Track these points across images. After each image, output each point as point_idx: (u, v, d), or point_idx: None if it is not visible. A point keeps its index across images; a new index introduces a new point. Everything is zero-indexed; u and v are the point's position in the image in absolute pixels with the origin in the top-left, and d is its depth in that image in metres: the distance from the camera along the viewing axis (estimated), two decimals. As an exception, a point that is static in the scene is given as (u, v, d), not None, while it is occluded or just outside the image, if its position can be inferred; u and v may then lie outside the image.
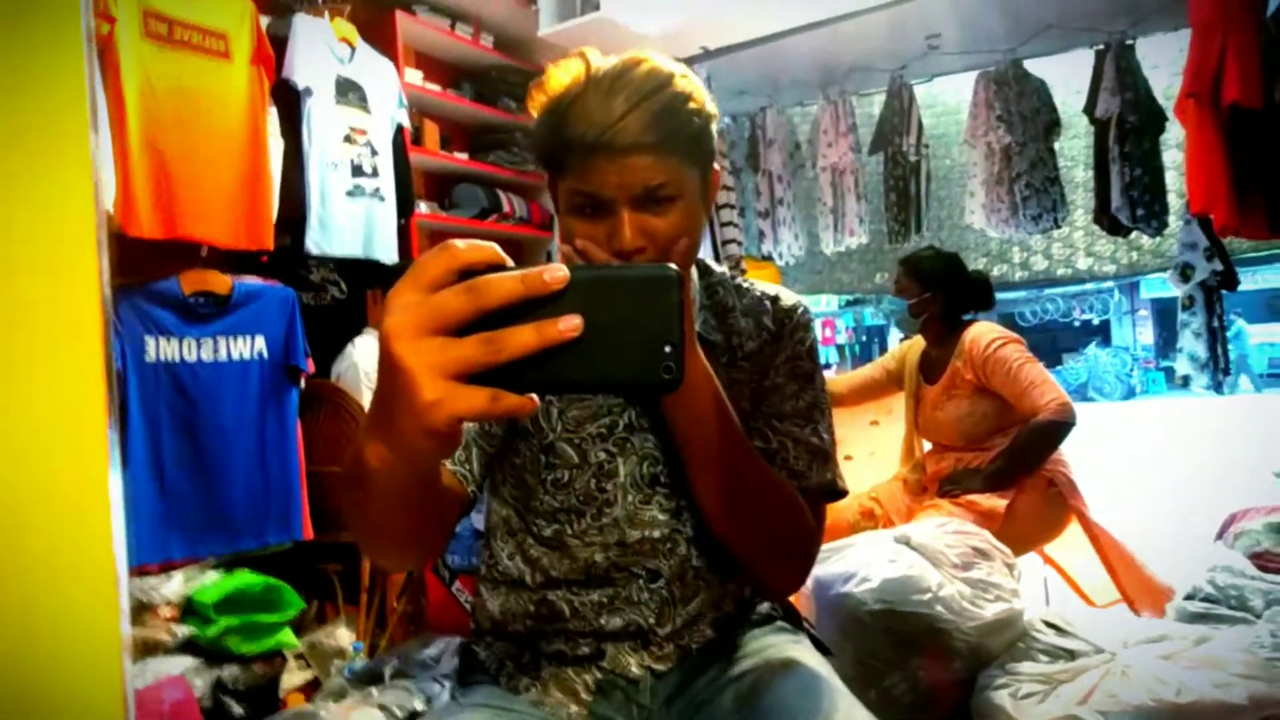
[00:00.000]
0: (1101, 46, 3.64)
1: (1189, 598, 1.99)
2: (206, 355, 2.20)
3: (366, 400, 2.47)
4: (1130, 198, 3.43)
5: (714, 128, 0.92)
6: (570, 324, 0.45)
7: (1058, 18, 3.57)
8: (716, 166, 0.95)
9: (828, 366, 14.09)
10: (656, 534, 0.94)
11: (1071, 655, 1.54)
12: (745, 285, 1.05)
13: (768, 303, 1.03)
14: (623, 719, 0.93)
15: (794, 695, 0.86)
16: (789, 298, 1.05)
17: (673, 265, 0.49)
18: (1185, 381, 3.38)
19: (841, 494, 0.99)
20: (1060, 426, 2.16)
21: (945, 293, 2.43)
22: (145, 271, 2.15)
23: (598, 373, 0.47)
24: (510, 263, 0.49)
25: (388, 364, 0.48)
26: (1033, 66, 3.86)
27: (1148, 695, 1.40)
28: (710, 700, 0.91)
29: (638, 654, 0.94)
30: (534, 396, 0.48)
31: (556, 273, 0.46)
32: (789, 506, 0.92)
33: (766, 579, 0.96)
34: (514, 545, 0.98)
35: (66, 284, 0.53)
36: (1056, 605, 2.50)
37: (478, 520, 2.34)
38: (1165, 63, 3.85)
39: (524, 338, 0.45)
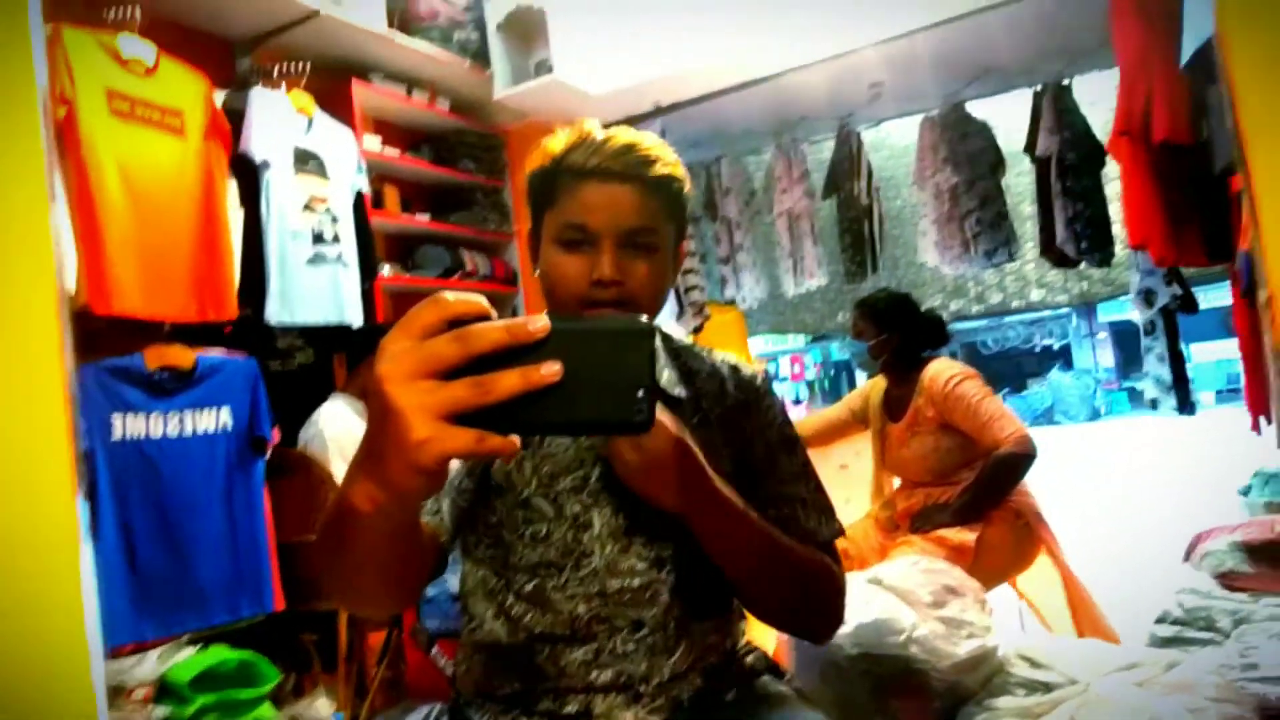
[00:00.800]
0: (1039, 87, 3.78)
1: (1159, 621, 2.02)
2: (172, 430, 2.18)
3: (334, 467, 2.46)
4: (1075, 231, 3.54)
5: (686, 202, 1.01)
6: (551, 369, 0.49)
7: (995, 61, 3.71)
8: (685, 242, 1.04)
9: (798, 402, 14.18)
10: (637, 582, 0.95)
11: (1047, 688, 1.56)
12: (704, 352, 1.11)
13: (728, 370, 1.10)
14: None
15: None
16: (746, 367, 1.12)
17: (645, 318, 0.53)
18: (1154, 404, 3.47)
19: (842, 534, 1.08)
20: (1022, 459, 2.21)
21: (901, 332, 2.49)
22: (109, 348, 2.14)
23: (576, 415, 0.51)
24: (495, 314, 0.53)
25: (380, 405, 0.51)
26: (974, 108, 3.99)
27: (1122, 723, 1.42)
28: None
29: (630, 708, 0.94)
30: (515, 439, 0.51)
31: (539, 322, 0.50)
32: (809, 563, 0.99)
33: (810, 631, 1.04)
34: (495, 606, 0.99)
35: (30, 363, 0.54)
36: (1033, 630, 2.53)
37: (453, 583, 2.32)
38: (1102, 99, 4.01)
39: (509, 381, 0.49)
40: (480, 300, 0.53)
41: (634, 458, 0.86)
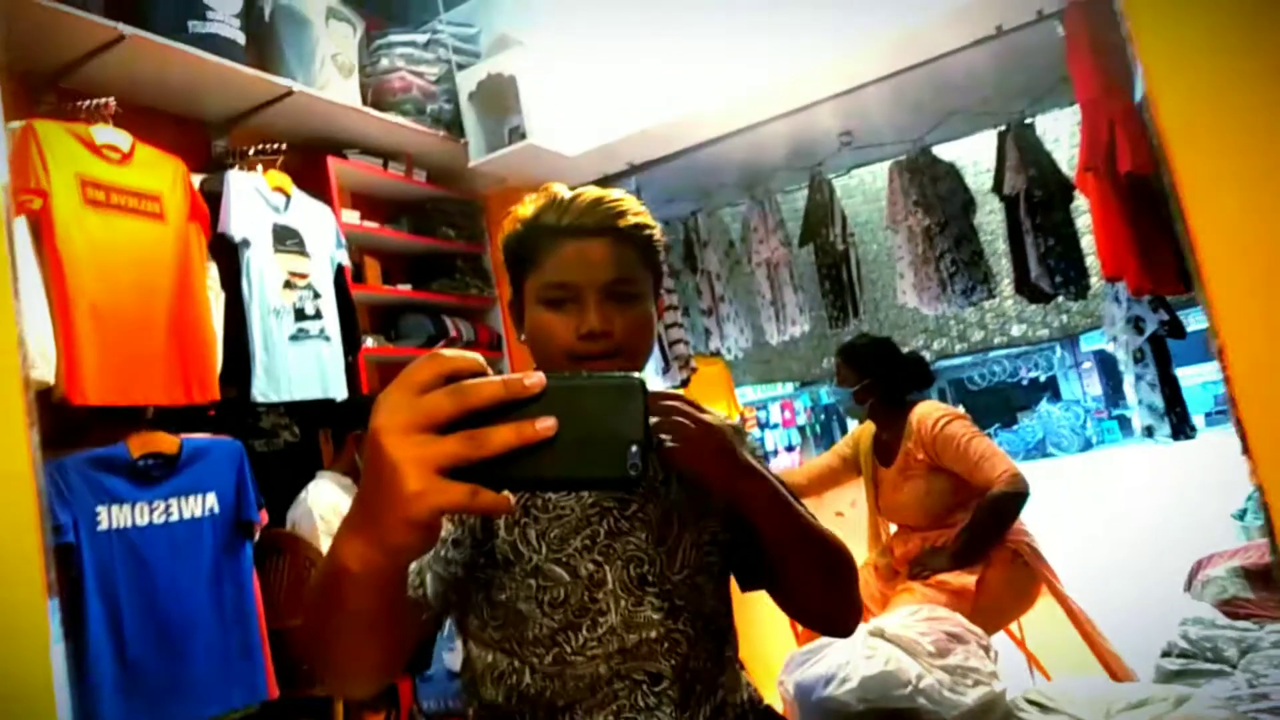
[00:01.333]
0: (1003, 127, 3.86)
1: (1165, 654, 2.00)
2: (158, 518, 2.15)
3: (323, 546, 2.42)
4: (1048, 266, 3.59)
5: (660, 250, 1.03)
6: (546, 424, 0.50)
7: (959, 104, 3.79)
8: (664, 291, 1.05)
9: (791, 448, 14.13)
10: (654, 634, 0.95)
11: (1058, 731, 1.54)
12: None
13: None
14: None
15: None
16: (715, 414, 1.11)
17: (637, 374, 0.54)
18: (1149, 432, 3.47)
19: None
20: (1015, 498, 2.20)
21: (883, 377, 2.49)
22: (91, 437, 2.12)
23: (569, 470, 0.52)
24: (490, 371, 0.53)
25: (375, 457, 0.51)
26: (942, 151, 4.07)
27: (1136, 765, 1.40)
28: None
29: None
30: (509, 496, 0.52)
31: (534, 378, 0.51)
32: (836, 543, 1.01)
33: (840, 618, 1.06)
34: (506, 689, 0.97)
35: None
36: (1042, 674, 2.49)
37: (450, 660, 2.27)
38: (1065, 136, 4.10)
39: (504, 435, 0.50)
40: (476, 357, 0.53)
41: (690, 431, 0.86)
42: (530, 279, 0.98)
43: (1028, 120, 3.83)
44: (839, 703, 1.60)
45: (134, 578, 2.08)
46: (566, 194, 0.99)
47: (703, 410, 1.10)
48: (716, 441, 0.87)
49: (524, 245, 0.99)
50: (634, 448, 0.52)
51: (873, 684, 1.60)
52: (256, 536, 2.36)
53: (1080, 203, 3.81)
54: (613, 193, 1.00)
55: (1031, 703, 1.62)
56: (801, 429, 15.05)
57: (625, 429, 0.52)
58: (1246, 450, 0.54)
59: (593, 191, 1.00)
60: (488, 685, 0.98)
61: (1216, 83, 0.55)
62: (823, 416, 15.56)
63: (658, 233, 1.03)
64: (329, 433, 2.73)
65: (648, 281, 1.01)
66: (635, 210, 1.00)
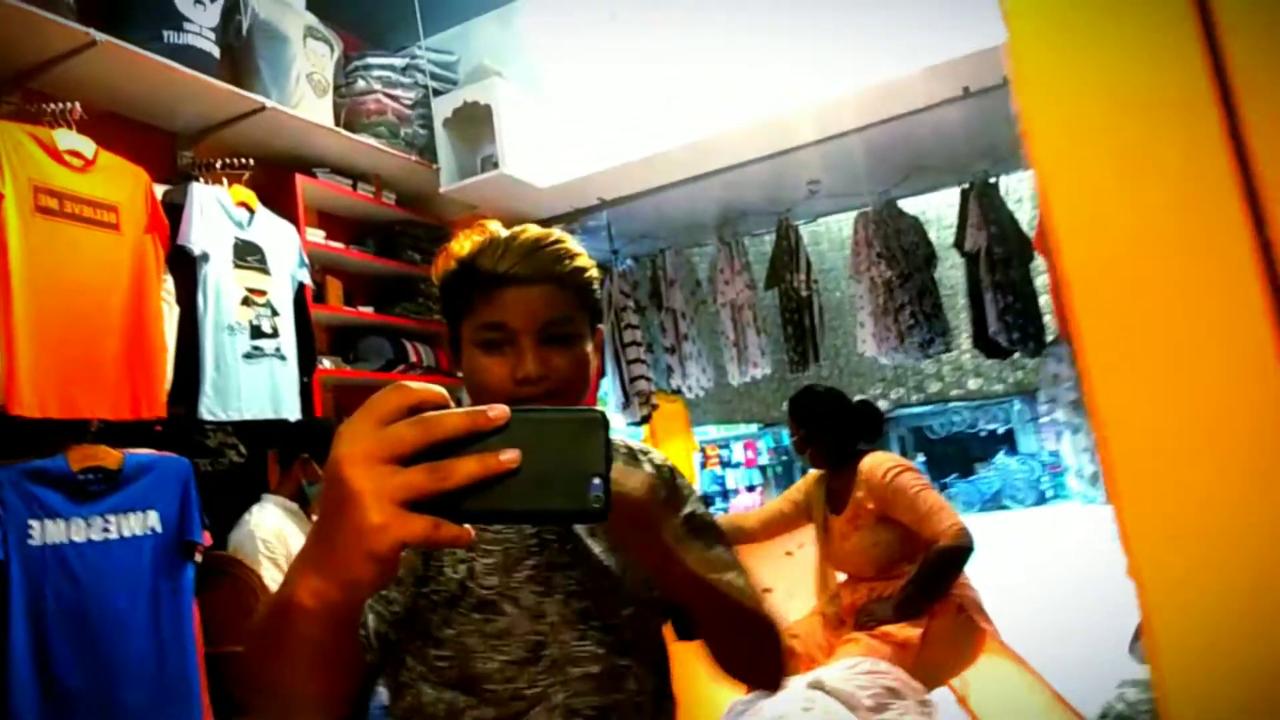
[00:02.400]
0: (967, 185, 3.95)
1: (1102, 717, 2.02)
2: (96, 535, 2.08)
3: (265, 571, 2.37)
4: (1006, 323, 3.66)
5: (596, 288, 1.03)
6: (510, 456, 0.49)
7: (926, 160, 3.88)
8: (601, 326, 1.06)
9: (752, 488, 14.15)
10: (597, 669, 0.94)
11: (991, 791, 1.54)
12: (620, 439, 1.13)
13: (644, 454, 1.12)
14: None
15: None
16: (657, 455, 1.14)
17: (599, 409, 0.54)
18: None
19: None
20: (961, 551, 2.23)
21: (825, 429, 2.52)
22: (30, 449, 2.06)
23: (533, 503, 0.51)
24: (453, 403, 0.52)
25: (337, 488, 0.50)
26: (907, 204, 4.15)
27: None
28: None
29: None
30: (470, 529, 0.51)
31: (498, 410, 0.50)
32: (759, 616, 1.00)
33: (765, 680, 1.05)
34: None
35: None
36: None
37: (383, 694, 2.22)
38: (1028, 196, 4.21)
39: (468, 467, 0.49)
40: (439, 389, 0.52)
41: (622, 513, 0.84)
42: (466, 321, 0.97)
43: (992, 179, 3.92)
44: (776, 754, 1.60)
45: (65, 597, 2.00)
46: (503, 234, 0.98)
47: (638, 458, 1.10)
48: (633, 518, 0.85)
49: (459, 287, 0.98)
50: (596, 480, 0.52)
51: (810, 738, 1.60)
52: (199, 558, 2.30)
53: (1040, 262, 3.91)
54: (550, 235, 0.99)
55: (966, 761, 1.62)
56: (763, 469, 15.08)
57: (588, 462, 0.52)
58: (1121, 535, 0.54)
59: (530, 234, 0.98)
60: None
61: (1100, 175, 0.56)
62: (784, 457, 15.62)
63: (594, 273, 1.02)
64: (276, 454, 2.68)
65: (585, 322, 1.00)
66: (572, 253, 0.99)
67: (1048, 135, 0.56)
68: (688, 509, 1.09)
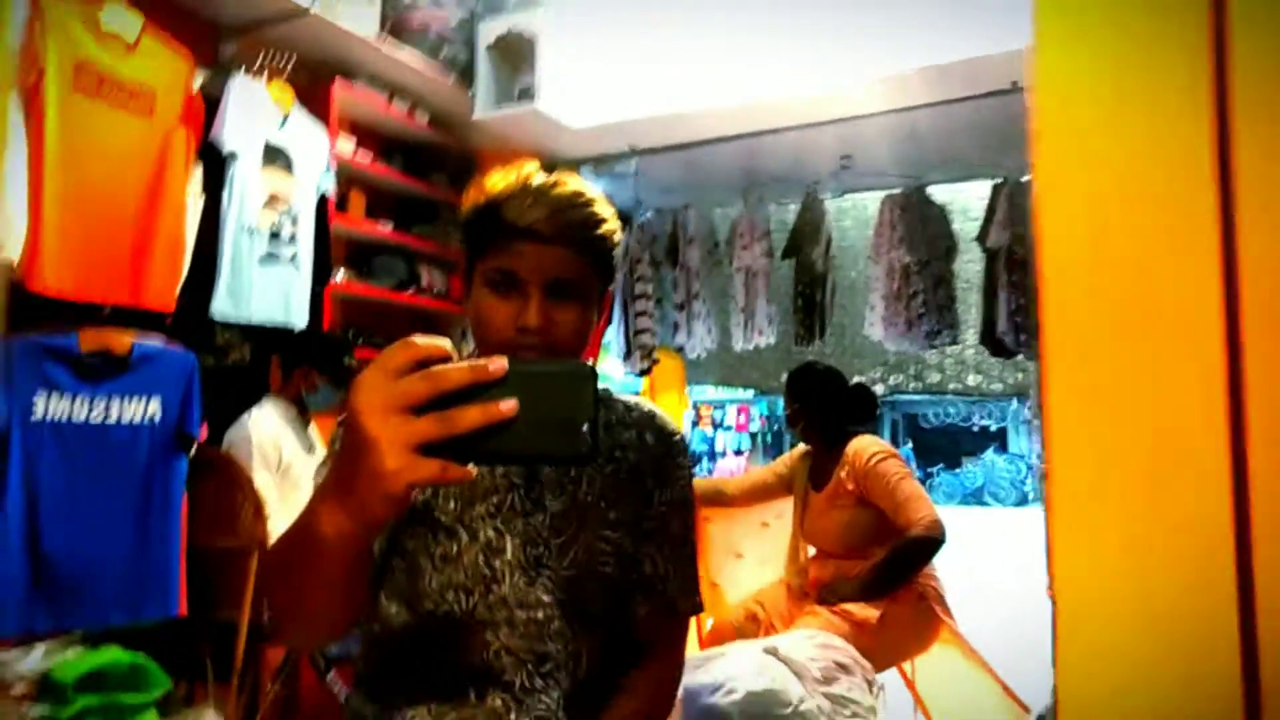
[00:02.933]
0: (999, 180, 3.92)
1: (1047, 715, 2.09)
2: (96, 416, 2.14)
3: (256, 474, 2.43)
4: (1015, 323, 3.67)
5: (618, 253, 1.05)
6: (509, 405, 0.56)
7: (960, 150, 3.85)
8: (611, 288, 1.07)
9: (740, 452, 14.24)
10: (541, 616, 0.97)
11: (921, 773, 1.61)
12: (623, 399, 1.14)
13: (650, 419, 1.12)
14: None
15: None
16: (668, 422, 1.14)
17: (588, 364, 0.60)
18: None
19: (700, 610, 1.11)
20: (930, 542, 2.28)
21: (819, 407, 2.56)
22: (43, 324, 2.10)
23: (528, 446, 0.58)
24: (456, 355, 0.60)
25: (356, 436, 0.58)
26: (936, 192, 4.13)
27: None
28: None
29: None
30: (473, 468, 0.59)
31: (498, 364, 0.57)
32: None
33: None
34: (398, 638, 1.00)
35: None
36: (925, 716, 2.58)
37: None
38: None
39: (471, 416, 0.56)
40: (445, 343, 0.60)
41: None
42: (482, 259, 0.99)
43: (1024, 179, 3.89)
44: (720, 712, 1.66)
45: (59, 471, 2.06)
46: (537, 182, 0.98)
47: (628, 408, 1.12)
48: None
49: (483, 224, 0.99)
50: (585, 427, 0.58)
51: (756, 700, 1.66)
52: (193, 452, 2.36)
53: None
54: (581, 197, 0.99)
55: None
56: (754, 435, 15.16)
57: (577, 411, 0.58)
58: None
59: (564, 190, 0.98)
60: (381, 630, 1.01)
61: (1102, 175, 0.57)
62: (775, 427, 15.70)
63: (617, 238, 1.03)
64: (279, 360, 2.73)
65: (596, 283, 1.01)
66: (599, 218, 0.99)
67: (1054, 140, 0.58)
68: (681, 480, 1.10)
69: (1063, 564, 0.55)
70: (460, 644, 0.97)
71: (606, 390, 1.13)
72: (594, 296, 1.01)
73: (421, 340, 0.59)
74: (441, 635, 0.98)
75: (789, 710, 1.65)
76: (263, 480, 2.43)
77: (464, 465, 0.58)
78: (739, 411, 14.51)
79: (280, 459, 2.54)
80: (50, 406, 2.05)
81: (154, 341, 2.28)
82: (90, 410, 2.12)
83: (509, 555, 0.98)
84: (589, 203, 0.99)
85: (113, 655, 2.02)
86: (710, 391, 12.72)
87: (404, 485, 0.57)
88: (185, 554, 2.29)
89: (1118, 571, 0.54)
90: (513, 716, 0.96)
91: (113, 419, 2.16)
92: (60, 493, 2.06)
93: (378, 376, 0.58)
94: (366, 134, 3.44)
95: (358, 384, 0.59)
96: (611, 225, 1.01)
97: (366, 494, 0.59)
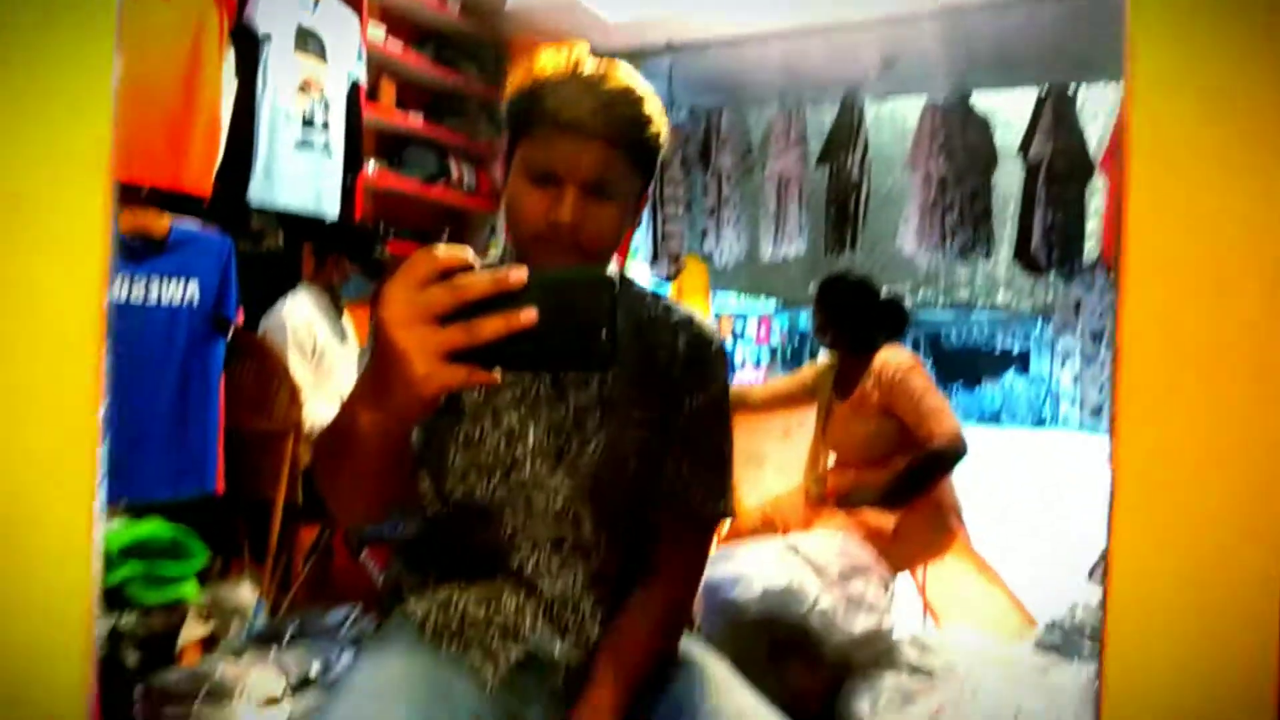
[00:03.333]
0: (1044, 90, 3.79)
1: (1049, 627, 2.15)
2: (136, 296, 2.17)
3: (291, 358, 2.47)
4: (1050, 240, 3.61)
5: (661, 154, 1.01)
6: (530, 314, 0.59)
7: (1007, 56, 3.71)
8: (648, 191, 1.03)
9: (759, 365, 14.30)
10: (560, 503, 1.00)
11: (930, 673, 1.68)
12: (664, 302, 1.11)
13: (685, 324, 1.09)
14: (535, 692, 0.98)
15: (695, 684, 0.96)
16: (709, 328, 1.11)
17: (607, 270, 0.62)
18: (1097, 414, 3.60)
19: (729, 516, 1.10)
20: (952, 454, 2.30)
21: (851, 319, 2.54)
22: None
23: (549, 353, 0.61)
24: (478, 264, 0.62)
25: (386, 346, 0.62)
26: (979, 99, 4.00)
27: (988, 716, 1.54)
28: None
29: (554, 626, 1.00)
30: (498, 373, 0.62)
31: (518, 274, 0.60)
32: (678, 635, 1.05)
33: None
34: (429, 521, 1.02)
35: (74, 213, 0.56)
36: (933, 619, 2.67)
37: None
38: (1104, 114, 4.04)
39: (494, 324, 0.60)
40: (466, 252, 0.62)
41: None
42: (522, 145, 0.95)
43: (1070, 90, 3.76)
44: (738, 606, 1.72)
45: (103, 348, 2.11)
46: (588, 71, 0.93)
47: (666, 311, 1.11)
48: None
49: (528, 109, 0.94)
50: (604, 334, 0.61)
51: (774, 596, 1.72)
52: (230, 335, 2.40)
53: (1095, 185, 3.80)
54: (632, 93, 0.94)
55: (914, 644, 1.76)
56: (773, 350, 15.17)
57: (595, 318, 0.61)
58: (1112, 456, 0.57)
59: (616, 84, 0.93)
60: (416, 506, 1.03)
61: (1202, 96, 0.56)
62: (795, 342, 15.69)
63: (665, 138, 0.99)
64: (312, 248, 2.74)
65: (636, 185, 0.98)
66: (649, 118, 0.95)
67: (1147, 142, 0.57)
68: (714, 388, 1.07)
69: (1124, 474, 0.56)
70: (481, 525, 1.00)
71: (647, 290, 1.12)
72: (631, 198, 0.97)
73: (444, 251, 0.62)
74: (464, 515, 1.00)
75: (805, 608, 1.70)
76: (297, 365, 2.48)
77: (489, 369, 0.61)
78: (760, 324, 14.50)
79: (315, 346, 2.57)
80: (91, 285, 2.07)
81: (190, 225, 2.29)
82: (130, 290, 2.16)
83: (530, 443, 0.99)
84: (639, 100, 0.94)
85: (155, 527, 2.10)
86: (732, 303, 12.69)
87: (434, 389, 0.61)
88: (223, 435, 2.35)
89: (1177, 486, 0.55)
90: (531, 596, 1.00)
91: (153, 299, 2.20)
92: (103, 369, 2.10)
93: (403, 288, 0.61)
94: (397, 21, 3.36)
95: (384, 295, 0.62)
96: (659, 126, 0.97)
97: (398, 398, 0.63)
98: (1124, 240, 0.57)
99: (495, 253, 1.10)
